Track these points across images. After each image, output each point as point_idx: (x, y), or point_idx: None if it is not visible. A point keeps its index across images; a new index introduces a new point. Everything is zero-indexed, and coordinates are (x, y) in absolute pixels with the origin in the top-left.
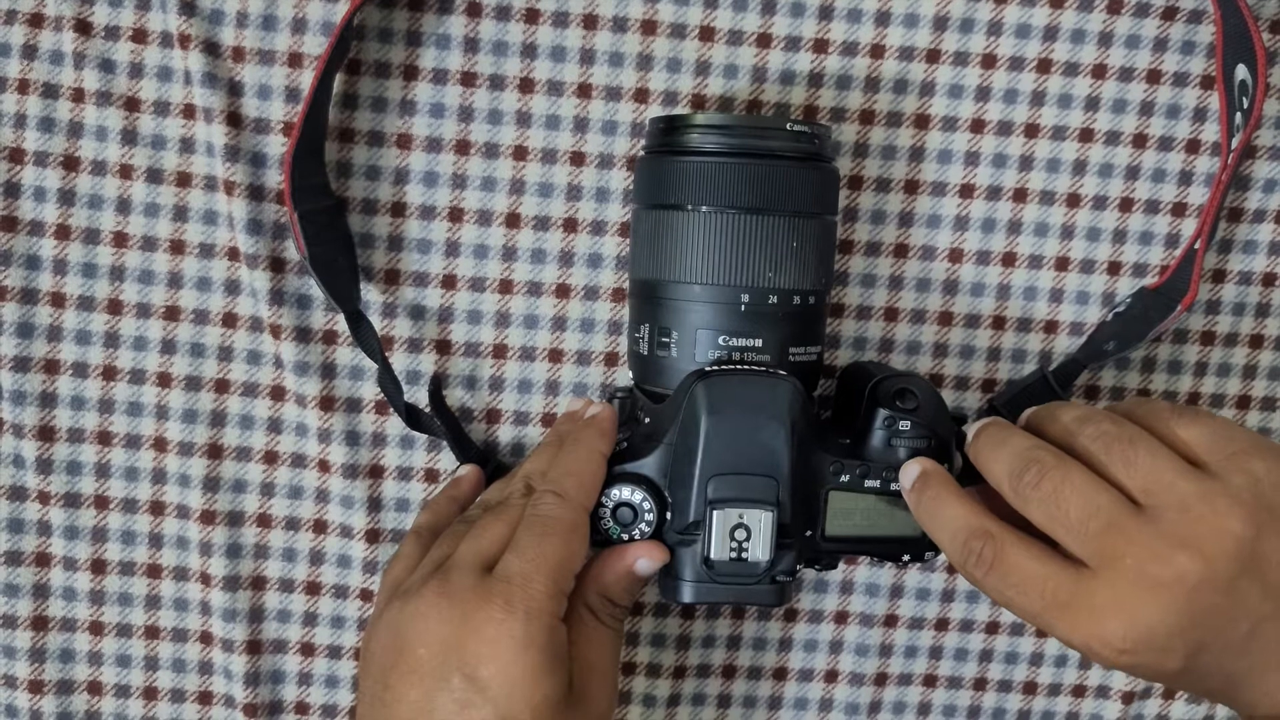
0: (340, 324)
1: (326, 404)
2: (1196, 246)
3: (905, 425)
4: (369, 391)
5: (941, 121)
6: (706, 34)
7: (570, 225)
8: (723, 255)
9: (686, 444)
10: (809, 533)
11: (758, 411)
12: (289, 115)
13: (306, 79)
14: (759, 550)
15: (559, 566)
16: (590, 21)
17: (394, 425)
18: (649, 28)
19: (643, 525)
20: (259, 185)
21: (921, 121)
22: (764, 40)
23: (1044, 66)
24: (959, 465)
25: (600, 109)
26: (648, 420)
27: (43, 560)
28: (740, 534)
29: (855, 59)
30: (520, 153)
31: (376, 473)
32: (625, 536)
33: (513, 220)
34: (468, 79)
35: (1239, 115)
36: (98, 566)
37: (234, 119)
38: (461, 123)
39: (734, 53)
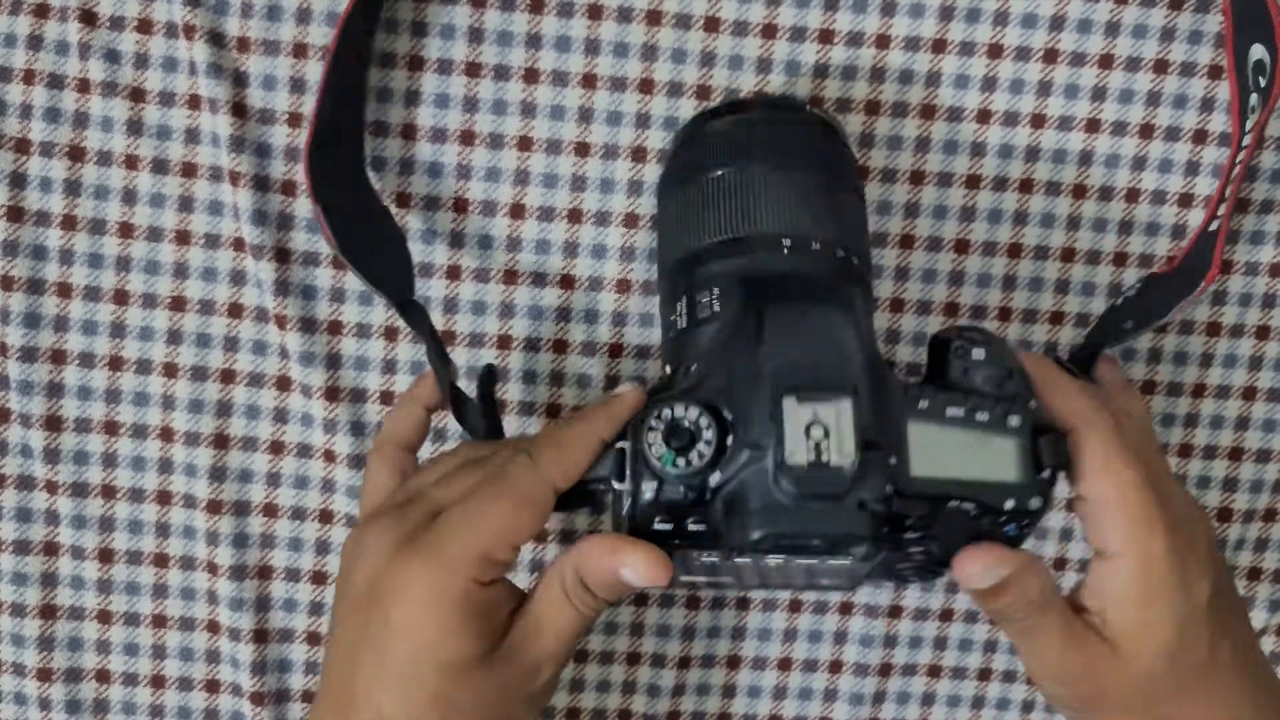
0: (345, 314)
1: (332, 394)
2: (1214, 228)
3: (979, 354)
4: (374, 382)
5: (947, 112)
6: (711, 24)
7: (575, 216)
8: (761, 203)
9: (740, 344)
10: (893, 460)
11: (821, 302)
12: (294, 106)
13: (312, 69)
14: (841, 448)
15: (494, 534)
16: (595, 12)
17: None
18: (654, 18)
19: (701, 446)
20: (264, 176)
21: (927, 112)
22: (769, 31)
23: (1050, 56)
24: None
25: (605, 99)
26: (693, 367)
27: (50, 549)
28: (816, 432)
29: (861, 49)
30: (526, 143)
31: None
32: (682, 463)
33: (517, 211)
34: (472, 69)
35: (1254, 96)
36: (105, 555)
37: (239, 109)
38: (467, 113)
39: (739, 44)
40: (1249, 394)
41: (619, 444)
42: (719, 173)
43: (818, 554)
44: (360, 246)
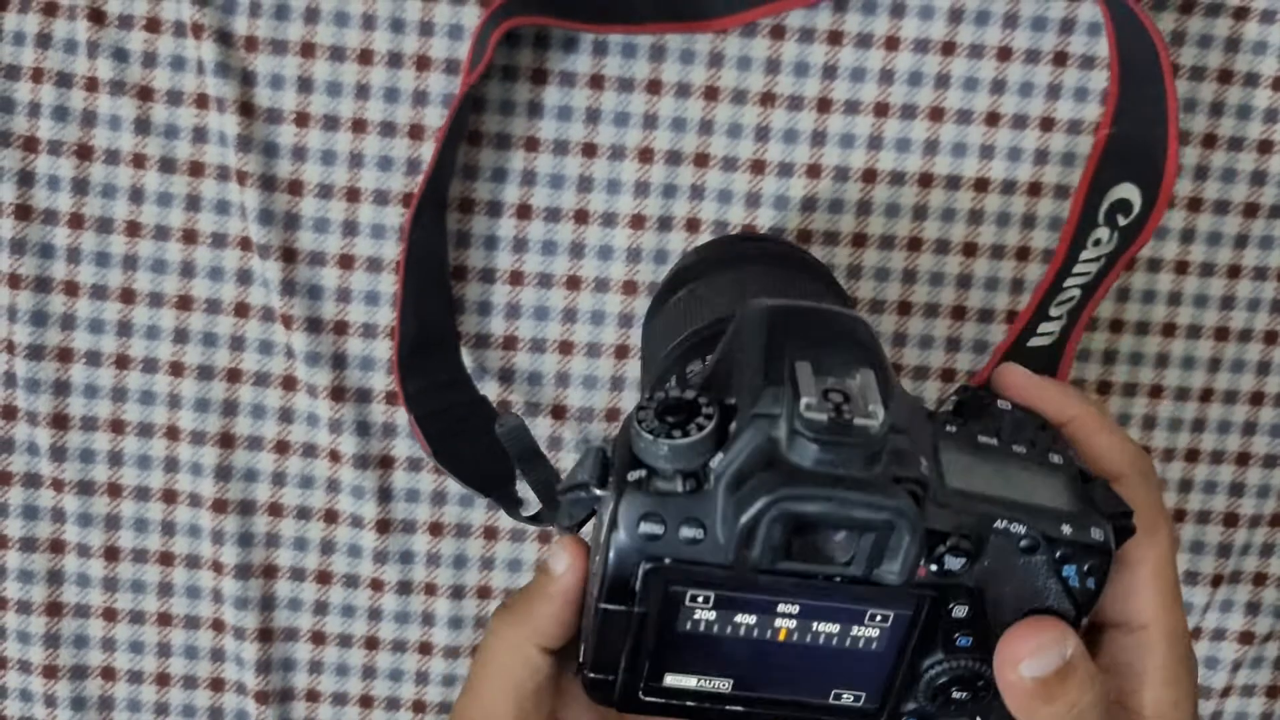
0: (351, 314)
1: (338, 394)
2: (1045, 341)
3: (1005, 404)
4: (379, 382)
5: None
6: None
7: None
8: (758, 289)
9: (744, 340)
10: (924, 463)
11: (836, 311)
12: (301, 105)
13: (320, 69)
14: (865, 409)
15: None
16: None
17: (404, 415)
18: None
19: (700, 419)
20: (271, 175)
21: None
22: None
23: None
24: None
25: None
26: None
27: (57, 547)
28: (836, 396)
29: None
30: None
31: (387, 463)
32: (679, 434)
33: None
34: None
35: (1104, 230)
36: (111, 553)
37: (246, 109)
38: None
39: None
40: (1256, 399)
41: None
42: (713, 276)
43: (842, 583)
44: (453, 451)
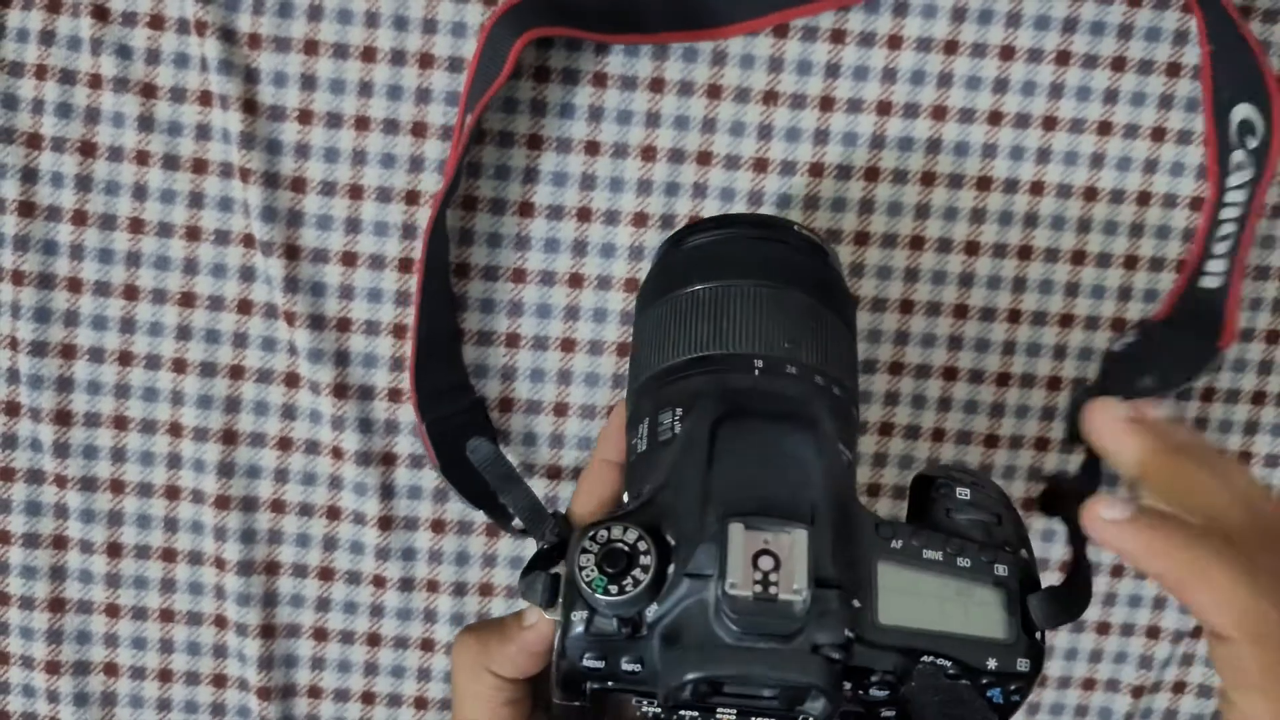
0: (354, 311)
1: (340, 391)
2: (1215, 285)
3: (964, 493)
4: (382, 379)
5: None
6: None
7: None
8: (735, 320)
9: (690, 464)
10: (856, 602)
11: (783, 421)
12: (304, 103)
13: (323, 66)
14: (791, 583)
15: None
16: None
17: (406, 413)
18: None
19: (637, 572)
20: (274, 172)
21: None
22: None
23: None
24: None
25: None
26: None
27: (60, 543)
28: (765, 563)
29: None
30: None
31: (389, 460)
32: (614, 589)
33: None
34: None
35: (1240, 153)
36: (114, 550)
37: (250, 106)
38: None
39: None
40: (1258, 399)
41: (553, 570)
42: (696, 288)
43: (768, 711)
44: (456, 454)
